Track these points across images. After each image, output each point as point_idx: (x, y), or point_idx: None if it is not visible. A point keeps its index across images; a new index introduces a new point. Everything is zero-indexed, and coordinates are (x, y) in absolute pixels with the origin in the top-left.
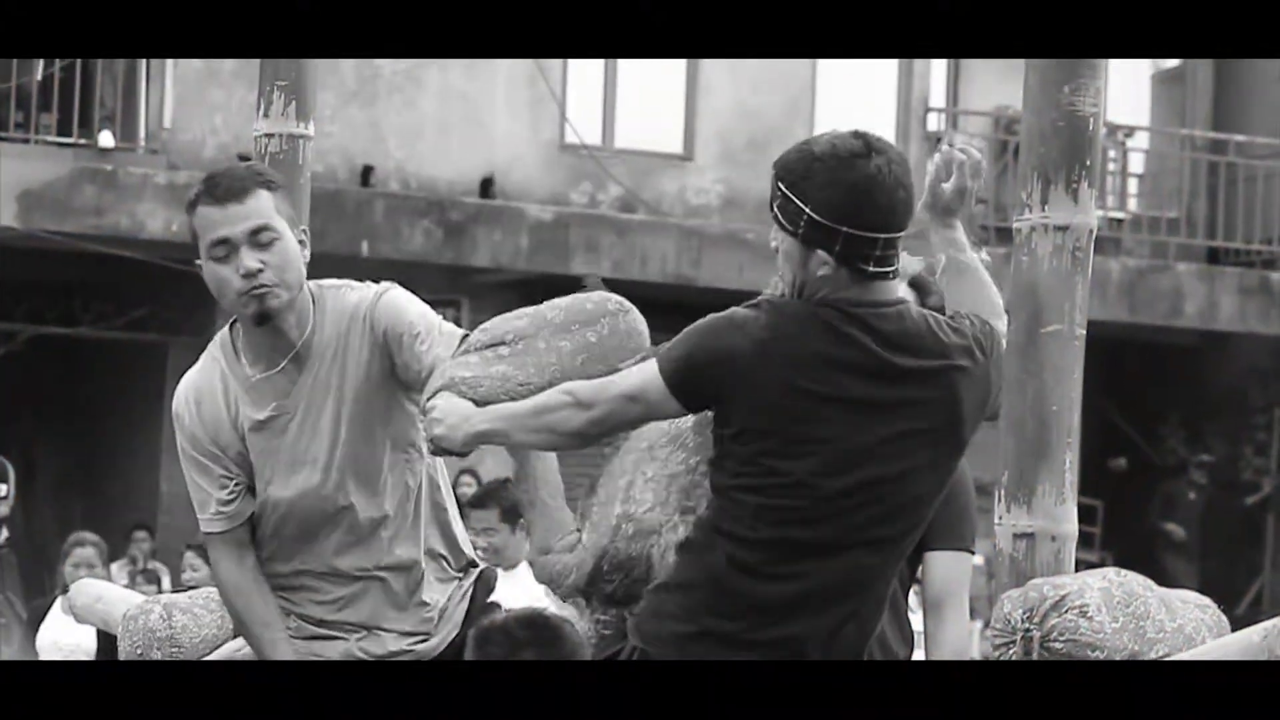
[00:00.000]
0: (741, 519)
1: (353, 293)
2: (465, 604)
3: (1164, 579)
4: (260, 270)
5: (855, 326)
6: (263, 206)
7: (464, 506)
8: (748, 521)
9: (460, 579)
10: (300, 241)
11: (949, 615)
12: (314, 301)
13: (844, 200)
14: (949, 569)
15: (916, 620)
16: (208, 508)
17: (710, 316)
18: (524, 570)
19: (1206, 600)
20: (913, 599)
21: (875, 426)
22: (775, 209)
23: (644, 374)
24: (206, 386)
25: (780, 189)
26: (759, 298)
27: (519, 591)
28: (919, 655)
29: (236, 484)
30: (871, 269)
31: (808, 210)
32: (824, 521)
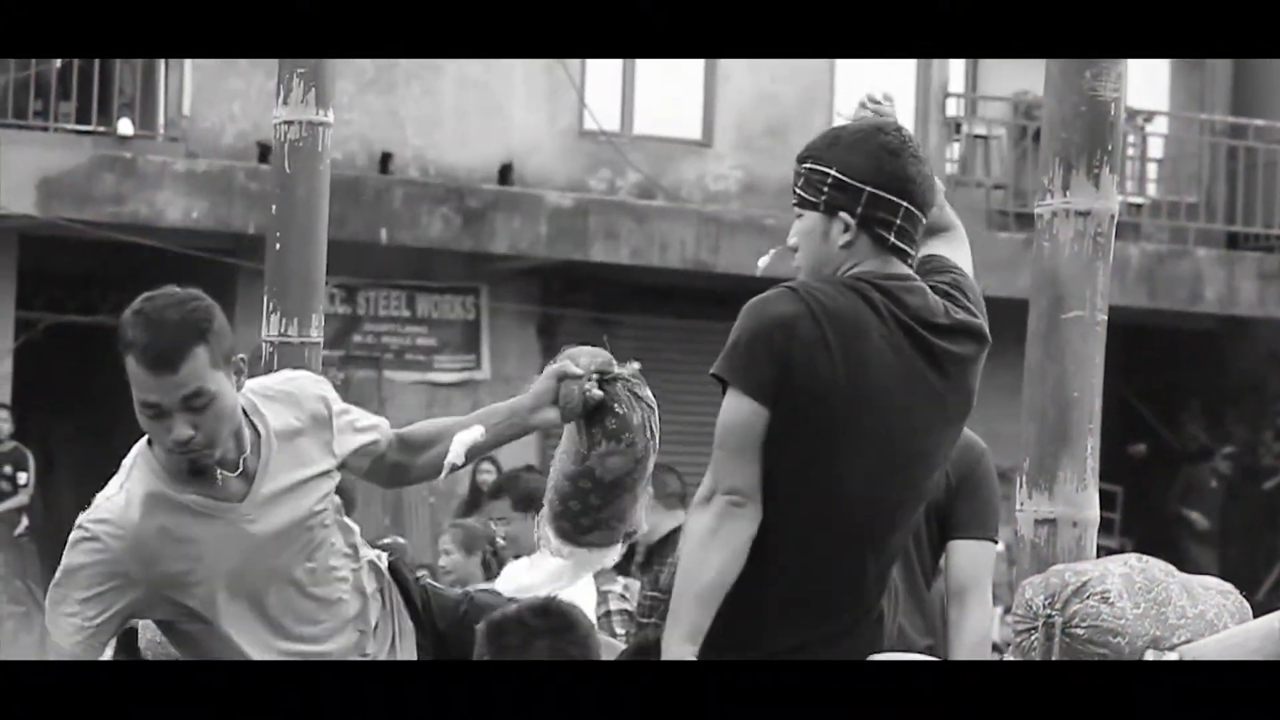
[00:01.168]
0: (781, 513)
1: (288, 410)
2: (385, 589)
3: (1184, 565)
4: (192, 437)
5: (887, 298)
6: (197, 368)
7: (484, 496)
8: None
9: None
10: (238, 371)
11: (972, 603)
12: (252, 419)
13: (866, 162)
14: (972, 558)
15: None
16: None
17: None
18: (538, 557)
19: (1228, 586)
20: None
21: (914, 400)
22: (798, 190)
23: (722, 410)
24: (145, 503)
25: (804, 167)
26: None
27: (535, 577)
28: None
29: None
30: (892, 240)
31: (833, 172)
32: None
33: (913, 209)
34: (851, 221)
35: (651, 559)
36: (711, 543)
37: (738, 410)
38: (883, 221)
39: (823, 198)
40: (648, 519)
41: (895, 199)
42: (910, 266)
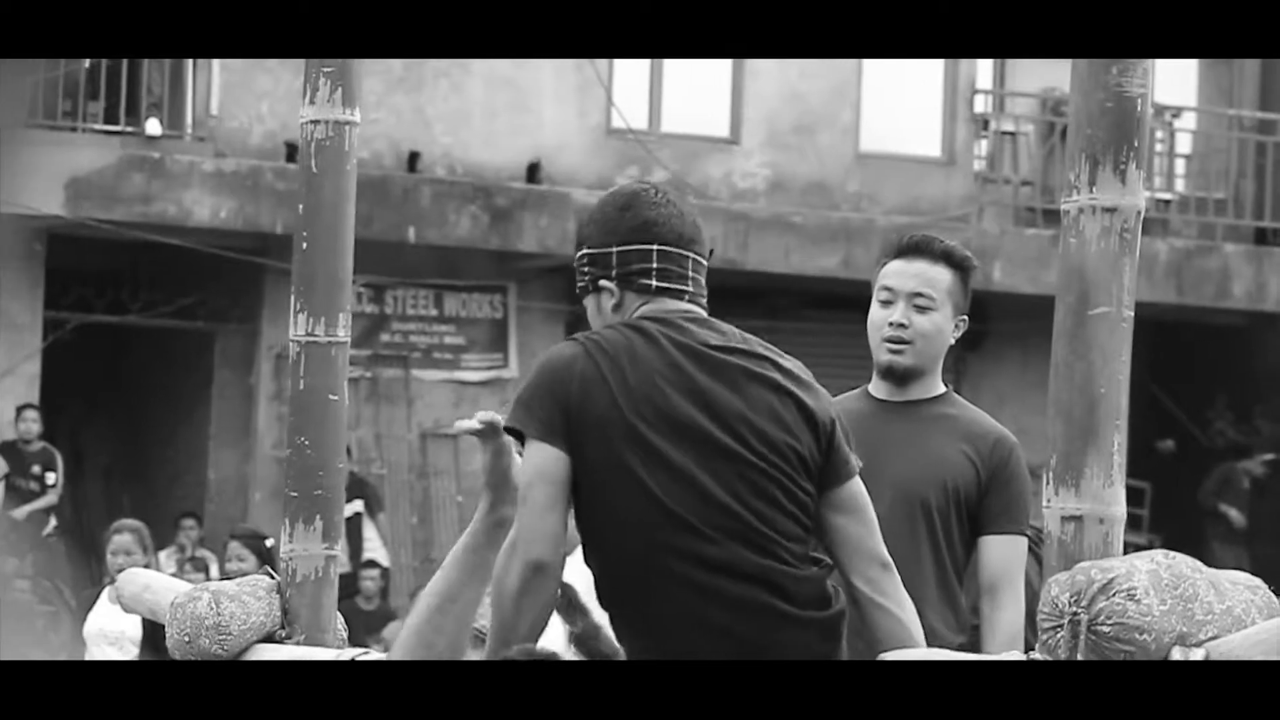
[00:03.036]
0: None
1: None
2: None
3: (1213, 561)
4: None
5: (665, 326)
6: None
7: None
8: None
9: None
10: None
11: (1004, 599)
12: None
13: (607, 222)
14: (1003, 553)
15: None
16: None
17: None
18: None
19: (1257, 581)
20: None
21: (708, 409)
22: (576, 287)
23: (523, 463)
24: None
25: (574, 263)
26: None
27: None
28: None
29: None
30: (655, 284)
31: (583, 251)
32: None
33: (665, 248)
34: (611, 284)
35: None
36: (522, 602)
37: (536, 458)
38: (639, 271)
39: (586, 279)
40: None
41: (642, 246)
42: (691, 299)
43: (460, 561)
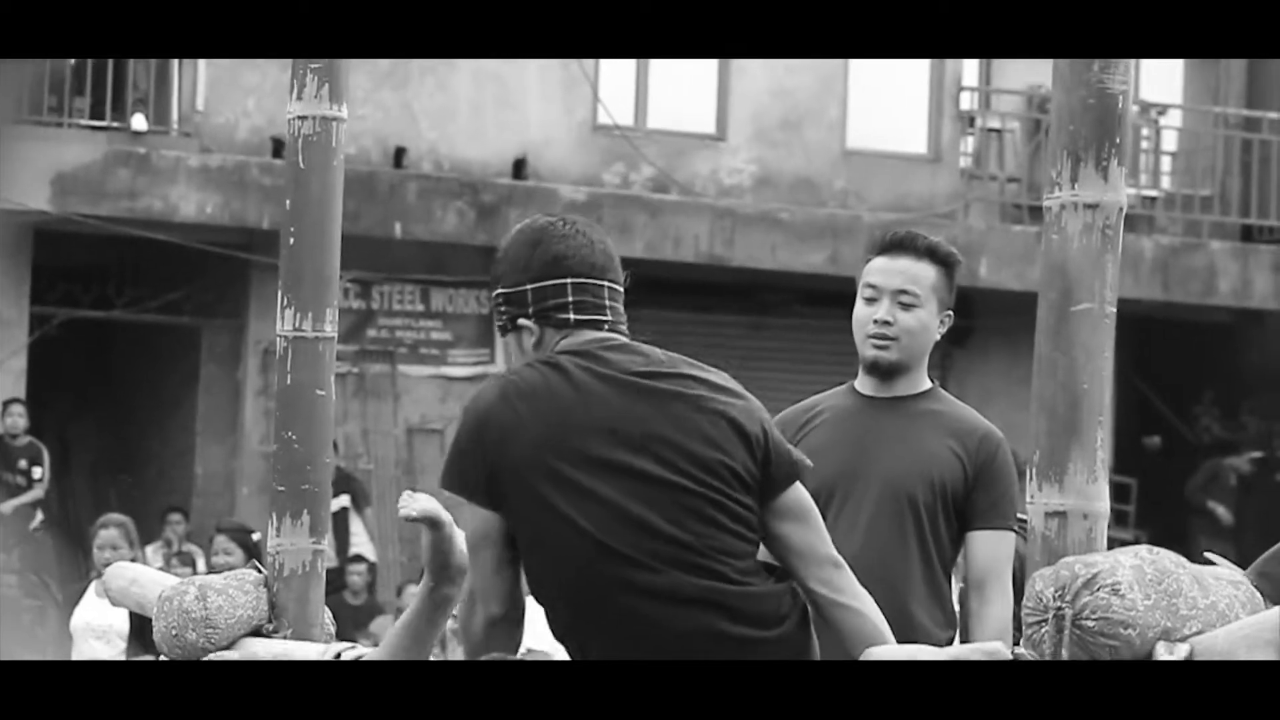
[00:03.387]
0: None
1: None
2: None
3: (1199, 557)
4: None
5: (583, 359)
6: None
7: None
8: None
9: None
10: None
11: (992, 594)
12: None
13: (519, 259)
14: (991, 548)
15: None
16: None
17: None
18: None
19: (1239, 576)
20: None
21: (637, 434)
22: (496, 326)
23: (467, 522)
24: None
25: (492, 304)
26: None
27: None
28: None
29: None
30: (573, 317)
31: (499, 290)
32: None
33: (580, 280)
34: (530, 323)
35: None
36: (489, 649)
37: (475, 520)
38: (555, 306)
39: (504, 319)
40: None
41: (556, 281)
42: (611, 328)
43: (402, 634)
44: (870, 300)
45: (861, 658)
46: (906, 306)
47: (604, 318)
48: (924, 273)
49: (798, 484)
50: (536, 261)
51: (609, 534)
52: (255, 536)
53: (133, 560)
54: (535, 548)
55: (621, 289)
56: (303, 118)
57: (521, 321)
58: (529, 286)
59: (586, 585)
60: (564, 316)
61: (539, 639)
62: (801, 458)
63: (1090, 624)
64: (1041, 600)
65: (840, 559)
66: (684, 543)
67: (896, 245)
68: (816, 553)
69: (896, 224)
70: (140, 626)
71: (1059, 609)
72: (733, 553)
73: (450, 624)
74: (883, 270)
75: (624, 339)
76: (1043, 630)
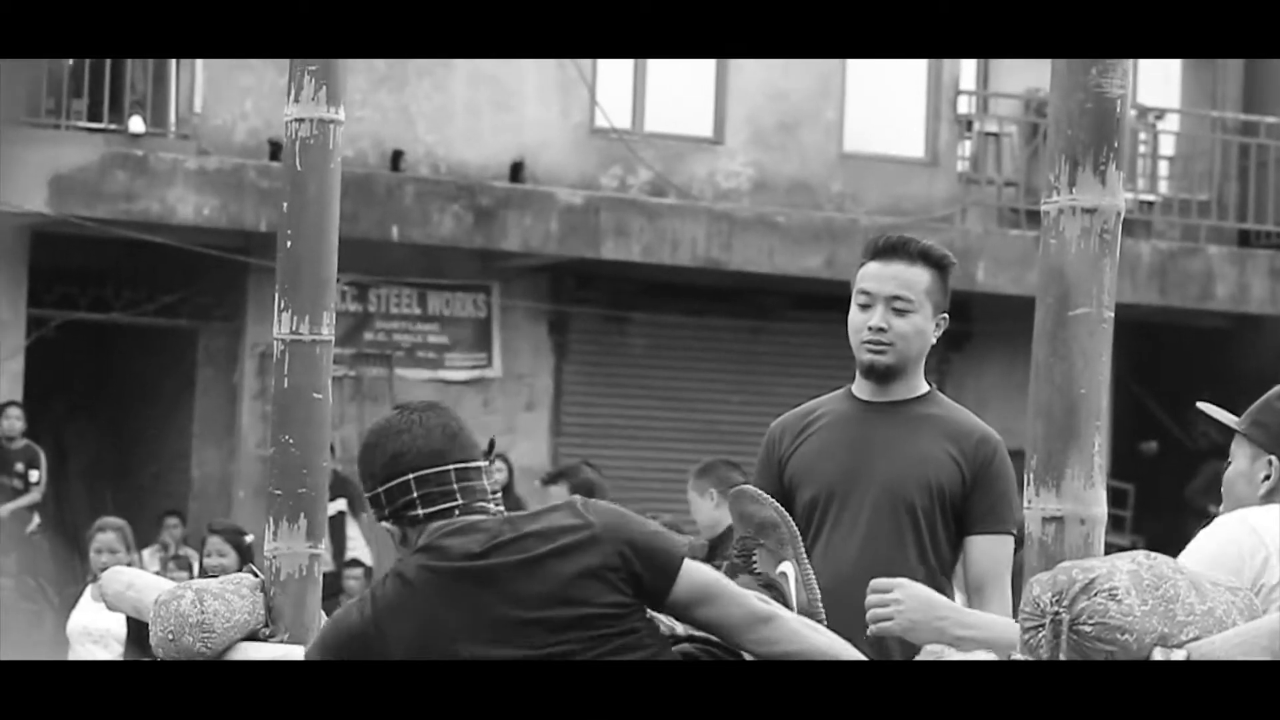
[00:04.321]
0: None
1: None
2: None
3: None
4: None
5: (427, 555)
6: None
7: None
8: None
9: None
10: None
11: (991, 598)
12: None
13: (366, 465)
14: (990, 552)
15: None
16: None
17: None
18: None
19: (1237, 583)
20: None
21: (481, 628)
22: None
23: None
24: None
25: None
26: None
27: None
28: None
29: None
30: (420, 512)
31: (365, 495)
32: None
33: (421, 473)
34: (388, 525)
35: (713, 554)
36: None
37: None
38: (404, 505)
39: (380, 522)
40: (711, 514)
41: (397, 480)
42: (464, 510)
43: None
44: (864, 306)
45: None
46: (901, 312)
47: (453, 503)
48: (918, 277)
49: (686, 567)
50: (378, 465)
51: None
52: (248, 538)
53: (129, 564)
54: None
55: (478, 462)
56: (300, 120)
57: (383, 525)
58: (379, 490)
59: None
60: (413, 514)
61: None
62: (676, 543)
63: (1087, 629)
64: (1039, 605)
65: (764, 608)
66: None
67: (889, 250)
68: (737, 622)
69: (893, 228)
70: (137, 631)
71: (1056, 614)
72: None
73: None
74: (876, 276)
75: (469, 519)
76: (1040, 635)
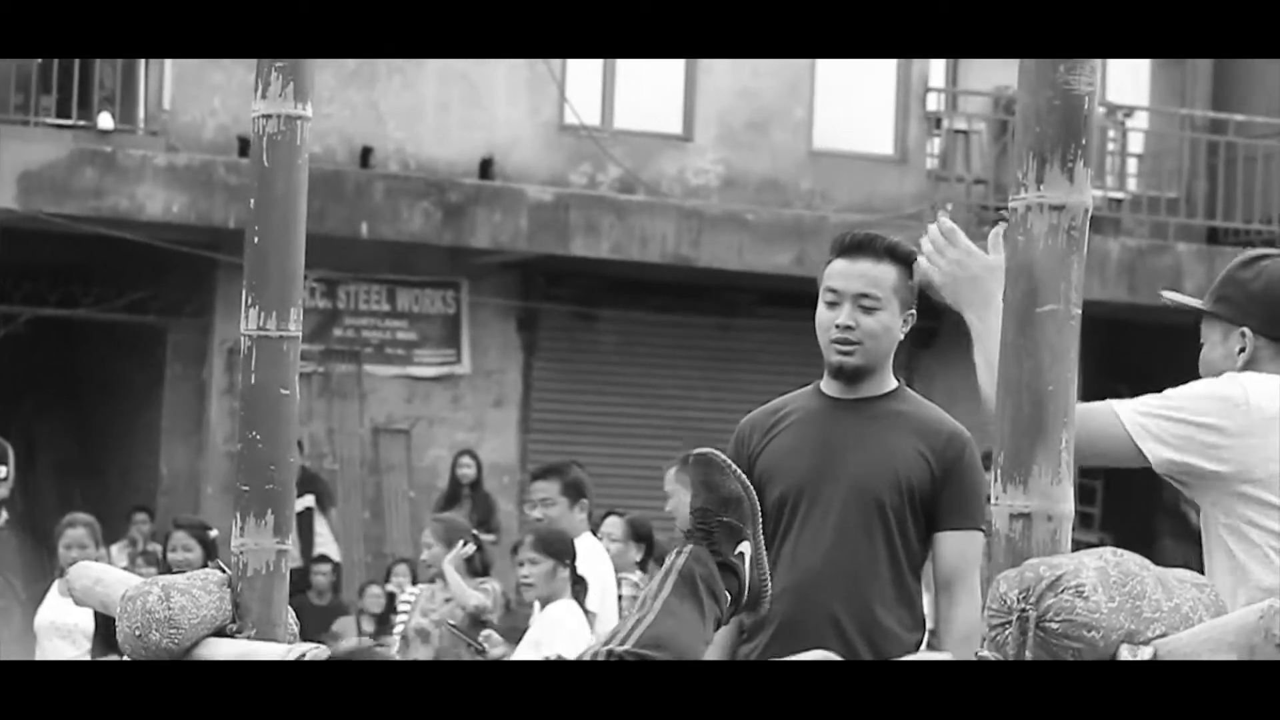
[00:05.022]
0: None
1: None
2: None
3: (1164, 559)
4: None
5: None
6: None
7: (531, 478)
8: None
9: None
10: None
11: (960, 595)
12: None
13: None
14: (958, 549)
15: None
16: None
17: None
18: (586, 541)
19: (1203, 579)
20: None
21: None
22: None
23: None
24: None
25: None
26: None
27: (583, 563)
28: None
29: None
30: None
31: None
32: None
33: None
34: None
35: None
36: None
37: None
38: None
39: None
40: (679, 515)
41: None
42: None
43: None
44: (832, 304)
45: None
46: (868, 310)
47: None
48: (885, 274)
49: None
50: None
51: None
52: (213, 533)
53: (98, 559)
54: None
55: None
56: (267, 116)
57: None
58: None
59: None
60: None
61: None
62: None
63: (1054, 626)
64: (1005, 602)
65: None
66: None
67: (856, 247)
68: None
69: (862, 225)
70: (105, 626)
71: (1023, 611)
72: None
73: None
74: (843, 274)
75: None
76: (1006, 632)
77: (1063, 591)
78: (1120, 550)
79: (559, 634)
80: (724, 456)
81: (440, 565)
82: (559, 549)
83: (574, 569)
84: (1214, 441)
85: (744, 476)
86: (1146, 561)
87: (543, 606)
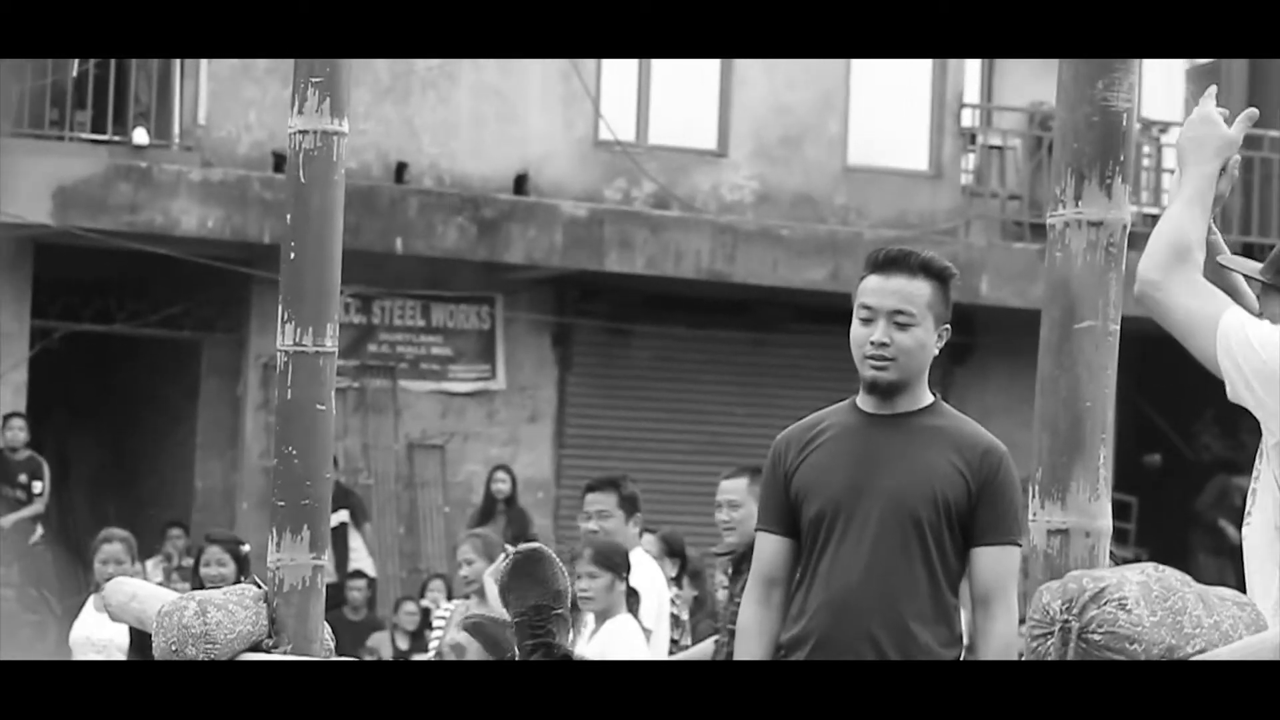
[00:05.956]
0: None
1: None
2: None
3: (1199, 575)
4: None
5: None
6: None
7: (584, 491)
8: None
9: None
10: None
11: (997, 610)
12: None
13: None
14: (995, 564)
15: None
16: None
17: None
18: (639, 555)
19: (1245, 598)
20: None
21: None
22: None
23: None
24: None
25: None
26: None
27: (637, 577)
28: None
29: None
30: None
31: None
32: None
33: None
34: None
35: (740, 568)
36: None
37: None
38: None
39: None
40: (742, 528)
41: None
42: None
43: None
44: (866, 321)
45: None
46: (902, 326)
47: None
48: (919, 290)
49: None
50: None
51: None
52: (246, 548)
53: (134, 575)
54: None
55: None
56: (304, 132)
57: None
58: None
59: None
60: None
61: None
62: None
63: (1096, 638)
64: (1048, 613)
65: None
66: None
67: (890, 263)
68: None
69: (896, 241)
70: (140, 641)
71: (1065, 622)
72: None
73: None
74: (877, 290)
75: None
76: (1048, 643)
77: (1106, 604)
78: (1162, 566)
79: (618, 648)
80: (549, 553)
81: (482, 580)
82: (617, 562)
83: (629, 583)
84: None
85: (566, 573)
86: (1188, 578)
87: (599, 620)
